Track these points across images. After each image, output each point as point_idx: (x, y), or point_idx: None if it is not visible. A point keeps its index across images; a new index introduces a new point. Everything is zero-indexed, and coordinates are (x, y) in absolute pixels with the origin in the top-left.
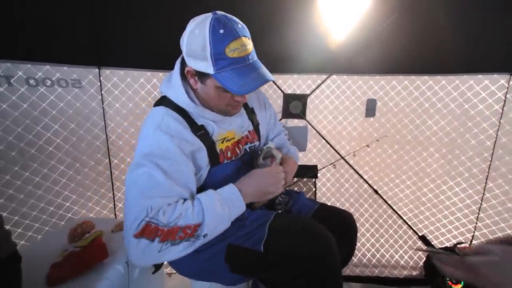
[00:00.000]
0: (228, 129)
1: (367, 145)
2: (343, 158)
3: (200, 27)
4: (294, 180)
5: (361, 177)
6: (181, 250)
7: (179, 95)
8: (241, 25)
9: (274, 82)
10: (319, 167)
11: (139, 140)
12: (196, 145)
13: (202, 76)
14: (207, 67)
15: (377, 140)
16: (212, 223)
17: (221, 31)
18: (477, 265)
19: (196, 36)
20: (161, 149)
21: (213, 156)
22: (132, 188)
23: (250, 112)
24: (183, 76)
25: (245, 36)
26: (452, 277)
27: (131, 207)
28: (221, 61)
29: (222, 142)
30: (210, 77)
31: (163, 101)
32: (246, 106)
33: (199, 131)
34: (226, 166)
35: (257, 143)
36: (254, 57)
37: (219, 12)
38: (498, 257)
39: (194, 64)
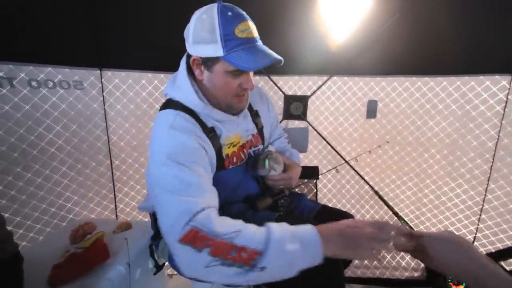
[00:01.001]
0: (234, 132)
1: (369, 151)
2: (346, 162)
3: (207, 13)
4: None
5: (362, 178)
6: (231, 275)
7: (187, 95)
8: (245, 14)
9: (275, 83)
10: (322, 170)
11: (152, 144)
12: (208, 146)
13: (209, 62)
14: (216, 50)
15: (379, 146)
16: (275, 257)
17: (229, 13)
18: (419, 235)
19: (204, 20)
20: (182, 147)
21: (220, 160)
22: (160, 187)
23: (255, 115)
24: (189, 76)
25: (251, 21)
26: (400, 248)
27: (166, 209)
28: (231, 42)
29: (229, 147)
30: (219, 62)
31: (170, 104)
32: (250, 108)
33: (210, 133)
34: (231, 171)
35: (261, 146)
36: (260, 41)
37: (224, 2)
38: (437, 233)
39: (201, 50)
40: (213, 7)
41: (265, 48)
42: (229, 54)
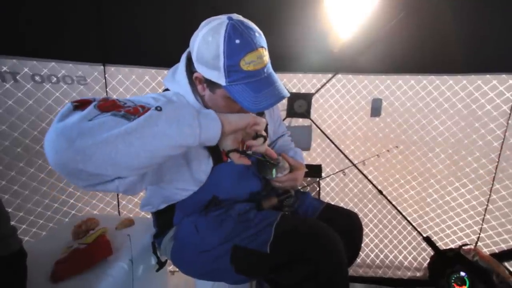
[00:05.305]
0: None
1: (378, 155)
2: (354, 165)
3: (214, 35)
4: None
5: (366, 177)
6: (121, 125)
7: (185, 94)
8: (258, 33)
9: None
10: (325, 168)
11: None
12: None
13: (212, 84)
14: (218, 77)
15: (387, 151)
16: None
17: (237, 41)
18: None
19: (209, 43)
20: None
21: (215, 154)
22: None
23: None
24: (188, 75)
25: (262, 47)
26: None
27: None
28: (235, 73)
29: None
30: (221, 87)
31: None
32: None
33: None
34: (231, 164)
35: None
36: (269, 68)
37: (235, 17)
38: None
39: (204, 71)
40: (221, 29)
41: (273, 80)
42: (231, 86)
